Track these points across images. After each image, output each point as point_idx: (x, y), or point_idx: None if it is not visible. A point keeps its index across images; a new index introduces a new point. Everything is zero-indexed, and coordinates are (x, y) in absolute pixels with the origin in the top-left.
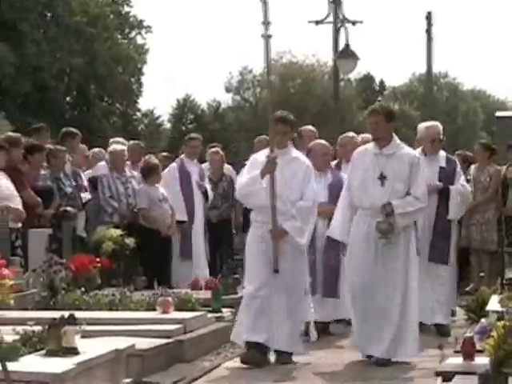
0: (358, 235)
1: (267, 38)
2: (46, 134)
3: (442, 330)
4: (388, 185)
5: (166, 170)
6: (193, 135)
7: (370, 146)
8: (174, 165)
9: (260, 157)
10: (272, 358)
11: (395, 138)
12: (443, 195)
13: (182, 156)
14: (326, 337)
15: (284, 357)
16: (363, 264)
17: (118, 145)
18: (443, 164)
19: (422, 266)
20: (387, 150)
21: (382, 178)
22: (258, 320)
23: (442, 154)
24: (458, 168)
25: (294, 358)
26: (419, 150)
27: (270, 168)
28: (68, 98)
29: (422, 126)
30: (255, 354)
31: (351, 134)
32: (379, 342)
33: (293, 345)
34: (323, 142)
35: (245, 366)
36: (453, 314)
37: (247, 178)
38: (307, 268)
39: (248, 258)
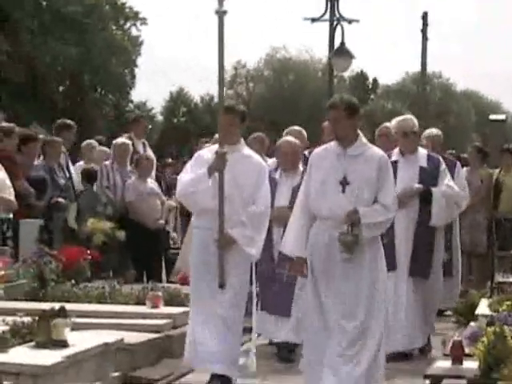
0: (318, 249)
1: (222, 13)
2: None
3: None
4: (351, 191)
5: None
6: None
7: (332, 145)
8: None
9: (206, 153)
10: None
11: (361, 136)
12: (425, 199)
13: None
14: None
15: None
16: (324, 282)
17: (124, 138)
18: (424, 164)
19: (401, 281)
20: (352, 151)
21: (345, 183)
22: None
23: (423, 152)
24: (443, 167)
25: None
26: (396, 150)
27: (219, 165)
28: (61, 88)
29: (394, 120)
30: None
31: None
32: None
33: (231, 368)
34: (290, 139)
35: None
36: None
37: (191, 177)
38: (253, 282)
39: (192, 269)
